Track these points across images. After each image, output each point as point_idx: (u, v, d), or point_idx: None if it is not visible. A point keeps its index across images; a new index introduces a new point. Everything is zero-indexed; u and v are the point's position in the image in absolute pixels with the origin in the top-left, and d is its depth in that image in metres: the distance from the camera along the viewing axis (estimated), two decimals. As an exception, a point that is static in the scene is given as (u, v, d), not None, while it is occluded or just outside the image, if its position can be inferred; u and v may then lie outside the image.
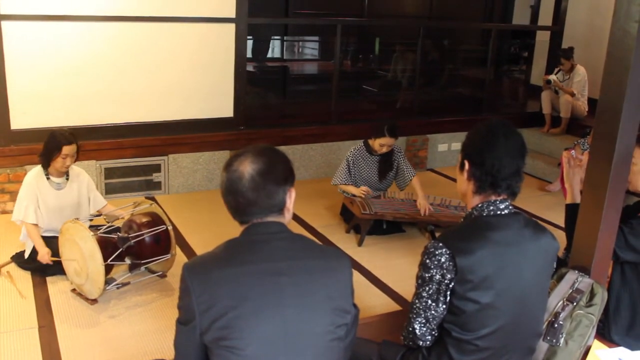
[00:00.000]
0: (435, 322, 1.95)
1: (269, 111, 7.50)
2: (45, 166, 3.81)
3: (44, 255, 3.70)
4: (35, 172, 3.84)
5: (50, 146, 3.74)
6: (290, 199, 1.74)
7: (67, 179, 3.92)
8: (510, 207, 1.97)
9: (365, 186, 4.79)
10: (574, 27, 7.66)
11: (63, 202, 3.89)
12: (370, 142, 4.79)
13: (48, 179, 3.85)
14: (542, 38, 8.20)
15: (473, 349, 1.90)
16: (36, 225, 3.78)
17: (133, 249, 3.62)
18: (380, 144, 4.69)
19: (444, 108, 7.85)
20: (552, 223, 4.94)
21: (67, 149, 3.74)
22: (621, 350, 2.48)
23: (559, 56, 7.06)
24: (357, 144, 4.92)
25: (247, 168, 1.66)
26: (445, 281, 1.87)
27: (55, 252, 3.69)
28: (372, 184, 4.87)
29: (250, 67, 6.33)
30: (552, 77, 6.91)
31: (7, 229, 4.36)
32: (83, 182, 4.00)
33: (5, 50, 4.74)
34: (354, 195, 4.75)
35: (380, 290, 3.94)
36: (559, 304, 2.23)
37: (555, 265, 2.11)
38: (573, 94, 6.83)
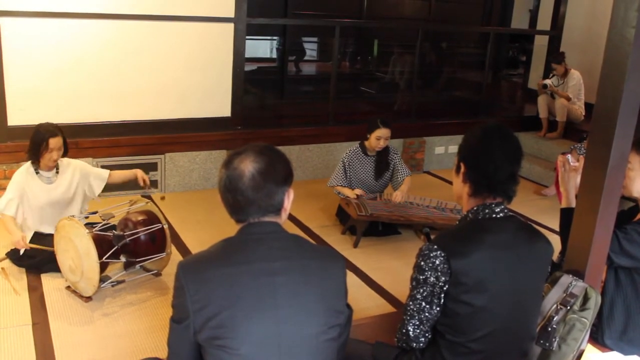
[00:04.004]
0: (429, 324, 1.95)
1: (266, 111, 7.51)
2: (35, 161, 3.79)
3: (19, 241, 3.68)
4: (24, 168, 3.83)
5: (36, 141, 3.73)
6: (289, 199, 1.74)
7: (57, 172, 3.91)
8: (506, 211, 1.98)
9: (359, 189, 4.79)
10: (572, 32, 7.69)
11: (54, 196, 3.88)
12: (366, 142, 4.80)
13: (38, 173, 3.84)
14: (541, 42, 8.22)
15: (466, 351, 1.91)
16: (13, 218, 3.76)
17: (128, 247, 3.62)
18: (377, 137, 4.69)
19: (441, 111, 7.86)
20: (547, 227, 4.95)
21: (53, 142, 3.73)
22: (614, 355, 2.49)
23: (549, 61, 7.10)
24: (352, 146, 4.92)
25: (248, 167, 1.66)
26: (440, 283, 1.88)
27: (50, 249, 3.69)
28: (368, 185, 4.87)
29: (248, 67, 6.32)
30: (548, 81, 6.94)
31: (2, 226, 4.35)
32: (75, 171, 3.98)
33: (3, 47, 4.73)
34: (349, 197, 4.75)
35: (375, 292, 3.94)
36: (553, 308, 2.24)
37: (549, 269, 2.12)
38: (569, 98, 6.85)
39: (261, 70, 8.12)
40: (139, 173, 4.07)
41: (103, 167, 5.20)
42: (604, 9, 7.17)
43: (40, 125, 3.81)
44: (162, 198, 3.88)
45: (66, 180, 3.95)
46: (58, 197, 3.91)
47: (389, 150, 4.86)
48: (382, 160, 4.86)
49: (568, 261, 2.43)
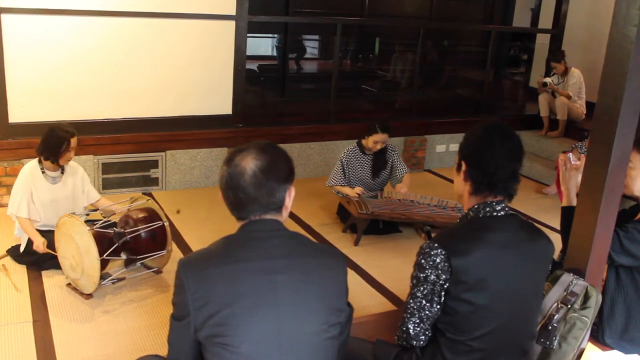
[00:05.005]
0: (429, 323, 1.95)
1: (268, 109, 7.50)
2: (55, 160, 3.80)
3: (39, 245, 3.71)
4: (30, 166, 3.84)
5: (56, 141, 3.75)
6: (290, 197, 1.74)
7: (62, 173, 3.93)
8: (507, 209, 1.98)
9: (359, 187, 4.79)
10: (573, 31, 7.67)
11: (58, 196, 3.90)
12: (364, 141, 4.80)
13: (43, 172, 3.85)
14: (542, 41, 8.21)
15: (466, 349, 1.91)
16: (29, 219, 3.78)
17: (129, 244, 3.62)
18: (374, 141, 4.70)
19: (442, 109, 7.85)
20: (549, 225, 4.95)
21: (73, 141, 3.79)
22: (615, 354, 2.49)
23: (548, 60, 7.09)
24: (350, 145, 4.93)
25: (250, 164, 1.66)
26: (440, 282, 1.88)
27: (51, 246, 3.69)
28: (366, 183, 4.87)
29: (249, 65, 6.32)
30: (547, 79, 6.93)
31: (3, 223, 4.36)
32: (77, 176, 4.01)
33: (4, 44, 4.73)
34: (349, 196, 4.75)
35: (376, 290, 3.94)
36: (553, 306, 2.23)
37: (550, 268, 2.12)
38: (569, 97, 6.84)
39: (262, 68, 8.10)
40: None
41: (104, 164, 5.22)
42: (606, 7, 7.15)
43: (54, 126, 3.83)
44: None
45: (70, 182, 3.97)
46: (61, 198, 3.92)
47: (387, 149, 4.86)
48: (380, 158, 4.87)
49: (569, 260, 2.43)
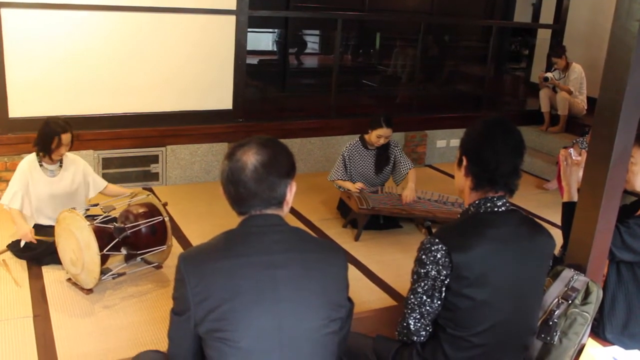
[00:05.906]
0: (429, 318, 1.95)
1: (268, 104, 7.50)
2: (46, 154, 3.80)
3: (27, 234, 3.70)
4: (29, 160, 3.84)
5: (47, 135, 3.74)
6: (291, 192, 1.74)
7: (61, 166, 3.93)
8: (508, 204, 1.97)
9: (360, 182, 4.78)
10: (575, 26, 7.65)
11: (56, 189, 3.89)
12: (367, 136, 4.79)
13: (41, 166, 3.85)
14: (544, 36, 8.20)
15: (467, 345, 1.91)
16: (20, 211, 3.79)
17: (129, 239, 3.62)
18: (378, 135, 4.68)
19: (443, 104, 7.85)
20: (549, 221, 4.95)
21: (64, 137, 3.76)
22: (615, 349, 2.48)
23: (549, 55, 7.08)
24: (352, 139, 4.91)
25: (251, 158, 1.66)
26: (441, 277, 1.87)
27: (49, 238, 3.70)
28: (368, 179, 4.86)
29: (250, 60, 6.31)
30: (549, 74, 6.92)
31: (3, 218, 4.35)
32: (78, 168, 4.00)
33: (4, 39, 4.72)
34: (350, 191, 4.74)
35: (376, 285, 3.94)
36: (554, 302, 2.23)
37: (551, 263, 2.11)
38: (570, 92, 6.83)
39: (263, 63, 8.10)
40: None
41: (105, 159, 5.22)
42: (608, 1, 7.13)
43: (50, 120, 3.81)
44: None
45: (69, 175, 3.96)
46: (60, 191, 3.91)
47: (389, 144, 4.85)
48: (383, 154, 4.86)
49: (570, 255, 2.43)
